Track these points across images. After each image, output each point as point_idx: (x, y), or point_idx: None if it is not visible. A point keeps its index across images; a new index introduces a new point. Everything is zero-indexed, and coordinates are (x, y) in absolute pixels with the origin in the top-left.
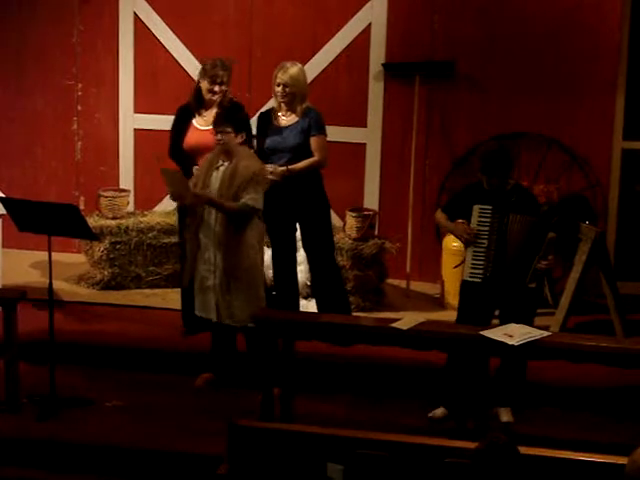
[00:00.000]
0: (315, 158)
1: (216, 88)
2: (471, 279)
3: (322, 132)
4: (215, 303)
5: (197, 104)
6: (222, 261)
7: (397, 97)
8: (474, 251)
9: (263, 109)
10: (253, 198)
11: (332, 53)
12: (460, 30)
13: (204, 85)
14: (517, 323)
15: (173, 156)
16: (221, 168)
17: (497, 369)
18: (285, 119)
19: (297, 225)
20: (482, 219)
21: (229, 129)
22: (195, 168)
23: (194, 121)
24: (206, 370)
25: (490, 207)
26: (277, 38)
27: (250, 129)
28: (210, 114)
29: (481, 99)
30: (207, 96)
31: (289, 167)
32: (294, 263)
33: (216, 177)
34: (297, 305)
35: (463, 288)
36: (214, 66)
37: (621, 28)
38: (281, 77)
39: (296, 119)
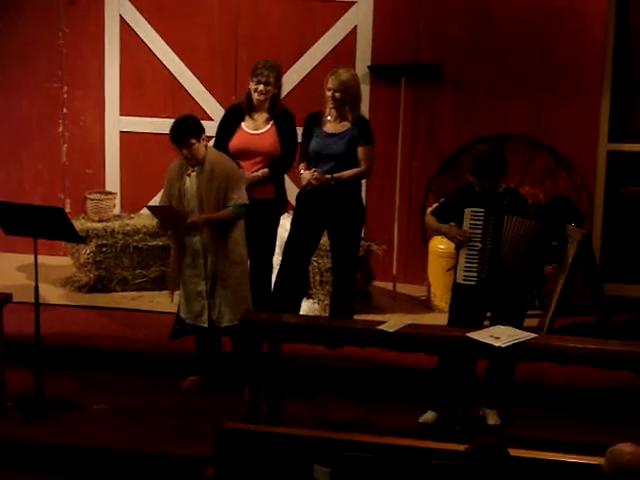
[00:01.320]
0: (362, 168)
1: (261, 87)
2: (465, 282)
3: (371, 142)
4: (207, 308)
5: (248, 106)
6: (212, 263)
7: (383, 99)
8: (467, 254)
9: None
10: (240, 195)
11: (318, 55)
12: (446, 32)
13: (252, 86)
14: (508, 325)
15: None
16: (193, 174)
17: (486, 371)
18: (334, 125)
19: (325, 231)
20: (474, 222)
21: (192, 140)
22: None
23: (243, 124)
24: (193, 373)
25: (482, 210)
26: (263, 40)
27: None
28: (261, 117)
29: (467, 101)
30: (255, 97)
31: (334, 175)
32: (307, 266)
33: (191, 183)
34: (298, 307)
35: (455, 291)
36: (260, 66)
37: (606, 30)
38: (332, 82)
39: (346, 127)
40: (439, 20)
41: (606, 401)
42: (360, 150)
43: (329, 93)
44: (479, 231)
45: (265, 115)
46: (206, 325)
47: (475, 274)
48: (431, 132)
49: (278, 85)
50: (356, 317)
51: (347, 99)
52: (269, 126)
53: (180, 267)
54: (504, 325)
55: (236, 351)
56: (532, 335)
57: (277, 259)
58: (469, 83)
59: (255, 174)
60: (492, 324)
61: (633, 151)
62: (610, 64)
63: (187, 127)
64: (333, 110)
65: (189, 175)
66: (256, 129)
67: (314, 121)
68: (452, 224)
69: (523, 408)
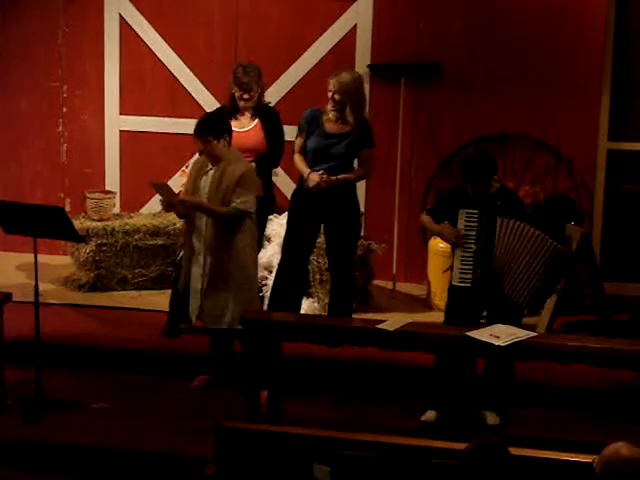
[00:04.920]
0: (364, 170)
1: (245, 95)
2: (460, 284)
3: (372, 145)
4: (200, 306)
5: (232, 110)
6: (210, 265)
7: (383, 98)
8: (462, 256)
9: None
10: (243, 201)
11: (318, 54)
12: (445, 31)
13: (236, 93)
14: (505, 324)
15: None
16: (210, 172)
17: (485, 370)
18: (335, 126)
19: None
20: (468, 223)
21: (210, 138)
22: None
23: (231, 124)
24: (203, 372)
25: (476, 211)
26: (262, 39)
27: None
28: (245, 118)
29: (466, 100)
30: (240, 103)
31: (339, 177)
32: (306, 265)
33: (205, 181)
34: (298, 306)
35: (451, 292)
36: (240, 73)
37: (606, 28)
38: (332, 84)
39: (346, 129)
40: (439, 19)
41: (607, 400)
42: (363, 152)
43: (329, 95)
44: (473, 232)
45: (249, 113)
46: (193, 321)
47: (470, 276)
48: (431, 131)
49: (260, 84)
50: (356, 316)
51: (347, 102)
52: (254, 123)
53: (189, 263)
54: (501, 324)
55: (244, 352)
56: (532, 334)
57: (277, 258)
58: (469, 82)
59: None
60: (489, 323)
61: (633, 150)
62: (610, 63)
63: (209, 124)
64: (334, 111)
65: (206, 173)
66: (242, 127)
67: (314, 118)
68: (446, 223)
69: (523, 407)
